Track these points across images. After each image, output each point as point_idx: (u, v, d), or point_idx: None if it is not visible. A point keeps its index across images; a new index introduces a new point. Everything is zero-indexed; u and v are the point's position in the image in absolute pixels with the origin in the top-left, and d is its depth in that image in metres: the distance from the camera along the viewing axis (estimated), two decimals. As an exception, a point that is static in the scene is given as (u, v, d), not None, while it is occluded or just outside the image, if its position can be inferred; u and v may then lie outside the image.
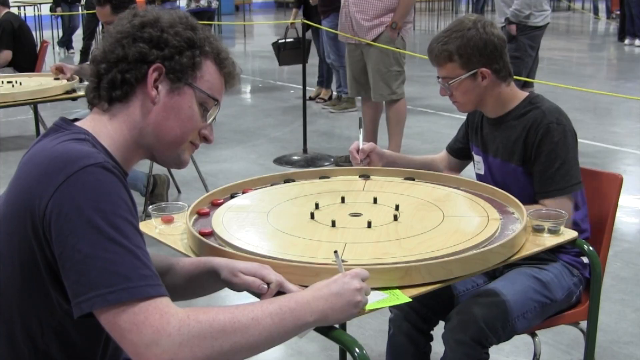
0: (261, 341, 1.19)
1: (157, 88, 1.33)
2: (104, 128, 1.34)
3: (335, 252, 1.39)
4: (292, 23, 7.18)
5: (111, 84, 1.33)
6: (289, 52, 6.76)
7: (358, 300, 1.29)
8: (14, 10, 11.93)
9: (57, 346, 1.28)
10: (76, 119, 1.38)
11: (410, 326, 2.18)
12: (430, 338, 2.21)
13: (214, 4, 8.11)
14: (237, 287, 1.46)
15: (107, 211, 1.15)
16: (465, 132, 2.35)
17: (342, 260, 1.40)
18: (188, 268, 1.53)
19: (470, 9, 16.23)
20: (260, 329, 1.18)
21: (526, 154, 2.08)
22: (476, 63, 2.06)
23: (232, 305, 1.20)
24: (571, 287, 2.09)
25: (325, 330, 1.31)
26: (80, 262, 1.13)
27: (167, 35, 1.34)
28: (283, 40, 6.87)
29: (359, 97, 5.44)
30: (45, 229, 1.17)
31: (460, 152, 2.38)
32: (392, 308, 2.23)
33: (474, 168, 2.30)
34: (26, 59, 5.88)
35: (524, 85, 5.56)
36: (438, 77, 2.14)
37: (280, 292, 1.39)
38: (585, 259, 2.11)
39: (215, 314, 1.16)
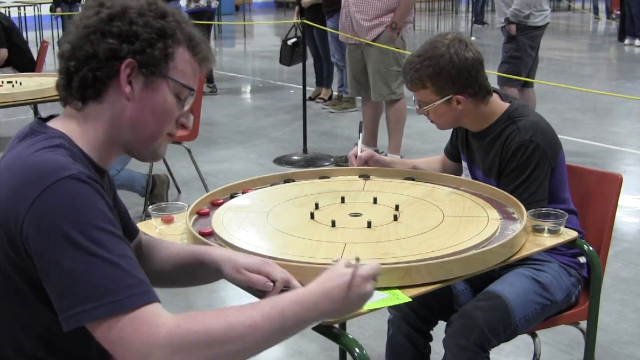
0: (259, 346, 1.17)
1: (130, 83, 1.29)
2: (79, 128, 1.31)
3: (357, 259, 1.29)
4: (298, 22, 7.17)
5: (83, 83, 1.28)
6: (295, 51, 6.73)
7: (357, 296, 1.25)
8: (14, 10, 11.97)
9: (44, 350, 1.27)
10: (52, 116, 1.36)
11: (409, 327, 2.18)
12: (430, 338, 2.21)
13: (214, 4, 8.09)
14: (239, 284, 1.44)
15: (85, 224, 1.13)
16: (456, 137, 2.35)
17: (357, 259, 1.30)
18: (182, 256, 1.51)
19: (470, 9, 16.23)
20: (258, 335, 1.15)
21: (500, 169, 2.08)
22: (450, 90, 2.04)
23: (228, 308, 1.16)
24: (569, 287, 2.09)
25: (326, 331, 1.31)
26: (63, 278, 1.12)
27: (137, 28, 1.28)
28: (294, 39, 6.79)
29: (359, 97, 5.44)
30: (24, 244, 1.15)
31: (457, 156, 2.37)
32: (390, 309, 2.23)
33: (463, 175, 2.29)
34: (21, 57, 5.87)
35: (524, 85, 5.57)
36: (413, 99, 2.13)
37: (285, 287, 1.38)
38: (582, 259, 2.11)
39: (209, 323, 1.13)
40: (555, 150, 2.07)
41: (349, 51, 5.19)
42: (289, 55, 6.77)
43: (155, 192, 4.26)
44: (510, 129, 2.06)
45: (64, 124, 1.32)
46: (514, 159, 2.02)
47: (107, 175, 1.40)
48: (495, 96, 2.13)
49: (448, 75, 2.01)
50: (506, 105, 2.13)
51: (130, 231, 1.53)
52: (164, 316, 1.12)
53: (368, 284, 1.26)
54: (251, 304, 1.19)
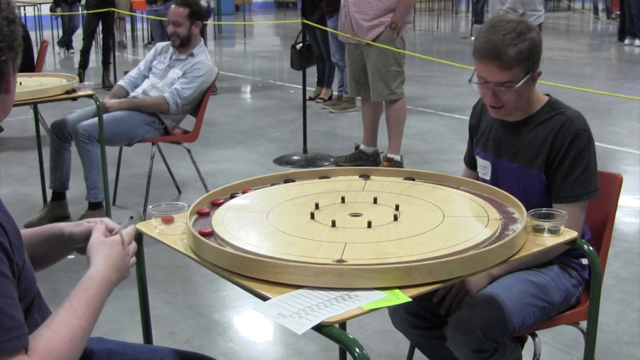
0: (88, 335, 1.30)
1: None
2: None
3: (131, 217, 1.56)
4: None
5: None
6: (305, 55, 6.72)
7: (130, 262, 1.47)
8: (14, 10, 11.94)
9: None
10: None
11: (421, 330, 2.18)
12: (444, 322, 2.19)
13: (212, 4, 8.15)
14: (80, 238, 1.53)
15: None
16: (475, 138, 2.31)
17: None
18: (35, 239, 1.56)
19: (470, 9, 16.24)
20: (87, 332, 1.29)
21: (549, 159, 2.07)
22: (534, 66, 2.04)
23: (55, 322, 1.25)
24: (569, 288, 2.08)
25: (326, 331, 1.31)
26: None
27: None
28: (301, 44, 6.76)
29: (359, 97, 5.44)
30: None
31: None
32: (395, 323, 2.25)
33: (479, 173, 2.27)
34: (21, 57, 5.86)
35: None
36: (485, 82, 2.04)
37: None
38: (584, 260, 2.11)
39: (57, 349, 1.21)
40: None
41: (349, 51, 5.19)
42: (299, 59, 6.77)
43: (53, 210, 4.15)
44: (561, 119, 2.06)
45: None
46: (572, 148, 2.03)
47: None
48: None
49: (537, 49, 2.03)
50: (546, 96, 2.15)
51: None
52: None
53: (132, 242, 1.50)
54: (68, 308, 1.29)
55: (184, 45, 4.35)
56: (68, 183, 4.17)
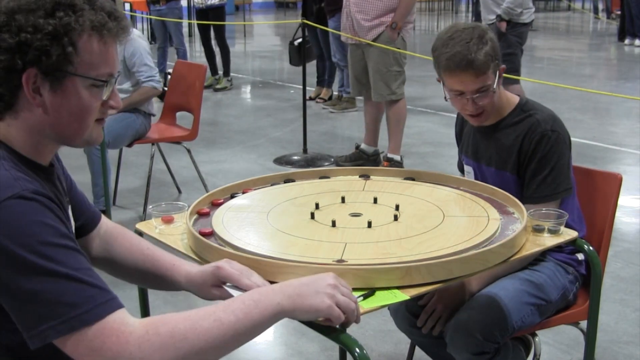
0: (228, 340, 1.16)
1: (38, 91, 1.22)
2: (7, 134, 1.26)
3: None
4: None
5: None
6: (302, 51, 6.73)
7: (329, 293, 1.23)
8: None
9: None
10: None
11: (422, 330, 2.18)
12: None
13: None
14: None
15: (34, 243, 1.11)
16: (458, 145, 2.34)
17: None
18: (143, 260, 1.51)
19: (470, 9, 16.24)
20: (225, 329, 1.15)
21: (520, 162, 2.08)
22: (499, 62, 2.06)
23: (193, 310, 1.17)
24: (566, 285, 2.08)
25: (326, 331, 1.31)
26: (22, 300, 1.11)
27: (26, 35, 1.18)
28: (299, 40, 6.75)
29: (360, 97, 5.44)
30: None
31: None
32: (398, 324, 2.25)
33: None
34: None
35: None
36: (461, 93, 2.03)
37: None
38: (580, 256, 2.12)
39: (175, 323, 1.13)
40: (570, 140, 2.10)
41: (351, 51, 5.20)
42: (297, 55, 6.78)
43: None
44: (529, 122, 2.07)
45: None
46: (538, 150, 2.04)
47: (54, 167, 1.36)
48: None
49: (497, 47, 2.05)
50: (517, 98, 2.15)
51: (91, 217, 1.53)
52: (131, 324, 1.12)
53: (329, 277, 1.26)
54: (210, 308, 1.19)
55: None
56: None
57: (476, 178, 2.20)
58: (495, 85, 2.04)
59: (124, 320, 1.13)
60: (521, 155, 2.08)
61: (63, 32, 1.20)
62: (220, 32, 8.22)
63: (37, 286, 1.10)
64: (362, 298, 1.37)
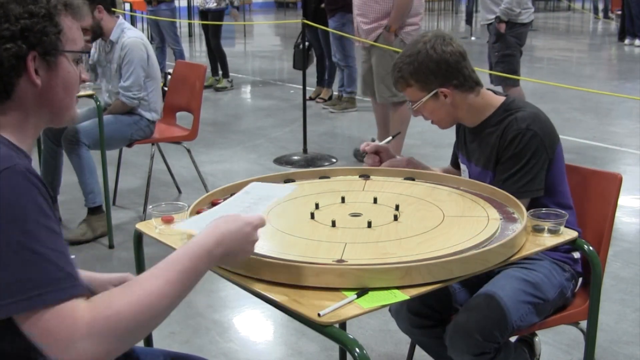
0: (171, 307, 1.23)
1: (37, 72, 1.29)
2: (4, 122, 1.30)
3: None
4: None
5: None
6: (307, 55, 6.73)
7: (252, 240, 1.36)
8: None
9: None
10: None
11: (424, 330, 2.19)
12: (447, 322, 2.19)
13: (236, 2, 8.28)
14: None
15: (19, 219, 1.14)
16: (457, 142, 2.35)
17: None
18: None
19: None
20: (168, 301, 1.21)
21: (497, 160, 2.09)
22: (434, 84, 2.08)
23: (133, 284, 1.21)
24: (563, 283, 2.08)
25: (326, 330, 1.31)
26: None
27: (25, 21, 1.26)
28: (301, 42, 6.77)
29: (360, 98, 5.46)
30: None
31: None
32: (400, 325, 2.26)
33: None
34: None
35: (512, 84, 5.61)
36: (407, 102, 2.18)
37: None
38: (576, 254, 2.12)
39: (119, 305, 1.16)
40: (553, 141, 2.08)
41: (360, 52, 5.25)
42: (302, 59, 6.77)
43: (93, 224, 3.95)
44: (508, 120, 2.08)
45: None
46: (510, 147, 2.04)
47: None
48: (488, 91, 2.17)
49: (427, 69, 2.07)
50: (502, 98, 2.16)
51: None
52: (81, 309, 1.15)
53: (256, 232, 1.37)
54: (151, 271, 1.24)
55: (98, 36, 4.05)
56: (59, 188, 4.15)
57: (469, 176, 2.21)
58: (417, 104, 2.11)
59: (78, 307, 1.16)
60: (498, 153, 2.08)
61: (54, 12, 1.31)
62: (216, 36, 8.22)
63: (10, 260, 1.12)
64: (356, 297, 1.37)
